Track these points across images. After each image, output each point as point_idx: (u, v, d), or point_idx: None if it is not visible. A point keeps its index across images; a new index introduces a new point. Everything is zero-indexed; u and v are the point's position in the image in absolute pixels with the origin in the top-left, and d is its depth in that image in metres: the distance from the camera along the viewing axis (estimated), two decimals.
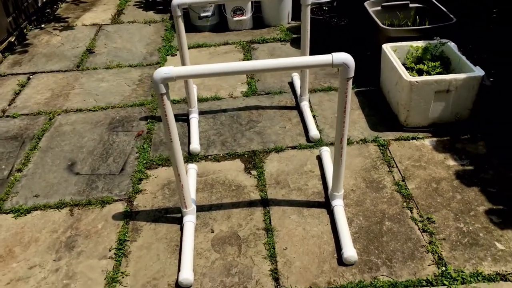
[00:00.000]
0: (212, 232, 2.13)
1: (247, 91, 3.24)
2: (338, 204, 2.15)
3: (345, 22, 3.60)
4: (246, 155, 2.61)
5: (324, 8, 3.88)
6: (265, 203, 2.27)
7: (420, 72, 2.73)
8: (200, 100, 3.15)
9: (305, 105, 2.93)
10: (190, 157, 2.62)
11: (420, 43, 2.92)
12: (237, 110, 3.03)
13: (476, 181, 2.30)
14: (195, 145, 2.64)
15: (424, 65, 2.75)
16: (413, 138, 2.63)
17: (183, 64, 2.74)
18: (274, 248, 2.02)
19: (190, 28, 4.32)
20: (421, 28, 2.98)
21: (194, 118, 2.89)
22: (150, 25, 4.51)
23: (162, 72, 1.76)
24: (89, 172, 2.56)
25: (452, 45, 2.83)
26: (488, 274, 1.82)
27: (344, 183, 2.32)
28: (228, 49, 3.90)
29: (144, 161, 2.60)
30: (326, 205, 2.23)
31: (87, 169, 2.58)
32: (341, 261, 1.93)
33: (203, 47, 3.96)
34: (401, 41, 2.96)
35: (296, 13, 4.34)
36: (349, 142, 2.64)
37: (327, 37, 3.66)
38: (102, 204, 2.33)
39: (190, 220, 2.13)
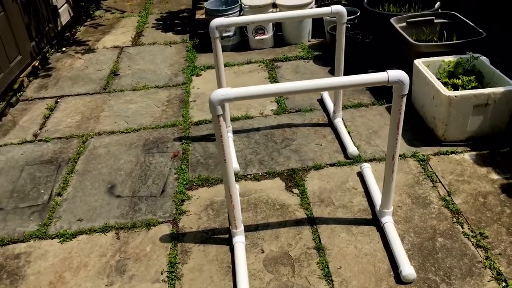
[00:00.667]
0: (263, 252, 2.12)
1: (278, 109, 3.25)
2: (388, 221, 2.14)
3: (370, 39, 3.63)
4: (285, 174, 2.61)
5: (347, 25, 3.91)
6: (312, 221, 2.26)
7: (455, 87, 2.74)
8: (232, 119, 3.15)
9: (339, 122, 2.94)
10: (235, 175, 2.61)
11: (451, 58, 2.94)
12: (269, 128, 3.04)
13: None
14: (234, 165, 2.64)
15: (458, 80, 2.77)
16: (452, 153, 2.63)
17: (220, 84, 2.75)
18: (328, 268, 2.00)
19: (210, 48, 4.34)
20: (452, 43, 3.00)
21: (229, 138, 2.89)
22: (171, 46, 4.55)
23: (220, 94, 1.77)
24: (130, 194, 2.55)
25: (484, 59, 2.85)
26: None
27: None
28: (252, 68, 3.93)
29: (184, 182, 2.60)
30: (374, 222, 2.21)
31: (127, 191, 2.58)
32: (398, 279, 1.91)
33: (227, 66, 3.98)
34: (431, 56, 2.98)
35: (316, 31, 4.39)
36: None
37: (354, 54, 3.68)
38: (148, 226, 2.32)
39: (240, 240, 2.11)
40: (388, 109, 3.12)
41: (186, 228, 2.29)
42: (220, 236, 2.23)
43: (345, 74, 3.09)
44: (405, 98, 1.84)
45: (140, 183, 2.63)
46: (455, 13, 3.35)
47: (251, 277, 1.99)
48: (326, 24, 4.10)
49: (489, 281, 1.87)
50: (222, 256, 2.11)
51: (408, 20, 3.42)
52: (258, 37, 4.27)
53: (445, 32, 3.29)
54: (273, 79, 3.70)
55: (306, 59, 4.01)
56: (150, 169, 2.74)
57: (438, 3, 3.61)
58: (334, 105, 2.97)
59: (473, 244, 2.05)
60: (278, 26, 4.36)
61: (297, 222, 2.26)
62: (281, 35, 4.40)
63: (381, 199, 2.15)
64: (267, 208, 2.37)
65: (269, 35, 4.28)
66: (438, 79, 2.81)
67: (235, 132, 3.02)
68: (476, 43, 2.97)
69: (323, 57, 3.99)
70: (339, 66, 2.80)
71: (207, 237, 2.23)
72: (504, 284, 1.85)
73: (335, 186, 2.48)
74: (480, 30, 3.05)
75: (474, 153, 2.62)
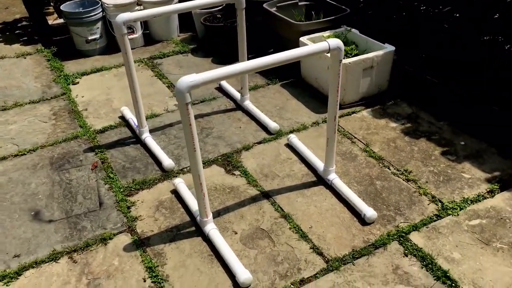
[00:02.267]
0: (236, 233, 2.16)
1: None
2: (335, 177, 2.37)
3: (247, 25, 3.83)
4: (219, 160, 2.65)
5: (217, 16, 4.06)
6: (267, 195, 2.37)
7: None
8: None
9: (249, 104, 3.08)
10: (166, 174, 2.55)
11: (328, 33, 3.33)
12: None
13: (419, 133, 2.77)
14: (169, 161, 2.57)
15: None
16: (353, 113, 3.01)
17: (132, 85, 2.63)
18: (301, 230, 2.15)
19: (75, 54, 4.05)
20: (326, 20, 3.38)
21: (149, 137, 2.79)
22: (25, 58, 4.07)
23: (188, 80, 1.75)
24: (64, 215, 2.29)
25: (355, 30, 3.31)
26: (473, 197, 2.26)
27: (323, 158, 2.56)
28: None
29: (121, 190, 2.44)
30: (321, 182, 2.43)
31: (58, 213, 2.31)
32: (363, 222, 2.16)
33: (104, 71, 3.77)
34: (310, 34, 3.32)
35: (183, 26, 4.43)
36: (304, 127, 2.89)
37: (233, 41, 3.84)
38: (104, 241, 2.13)
39: (213, 227, 2.11)
40: (283, 86, 3.38)
41: (147, 232, 2.18)
42: (187, 230, 2.18)
43: (230, 62, 3.24)
44: (342, 63, 2.07)
45: (70, 202, 2.38)
46: None
47: (237, 257, 2.01)
48: (196, 17, 4.17)
49: (428, 204, 2.26)
50: (198, 247, 2.08)
51: (278, 4, 3.72)
52: (128, 37, 4.10)
53: (313, 12, 3.68)
54: (161, 76, 3.64)
55: (184, 53, 4.03)
56: (73, 186, 2.49)
57: None
58: (241, 89, 3.09)
59: (403, 180, 2.42)
60: (145, 24, 4.26)
61: (254, 199, 2.35)
62: (148, 33, 4.32)
63: (325, 158, 2.37)
64: (219, 194, 2.39)
65: (138, 33, 4.16)
66: None
67: (153, 130, 2.91)
68: (344, 18, 3.41)
69: (200, 49, 4.06)
70: (243, 51, 2.93)
71: (174, 234, 2.16)
72: (440, 203, 2.25)
73: (271, 160, 2.62)
74: (343, 7, 3.51)
75: (369, 109, 3.04)
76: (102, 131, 2.97)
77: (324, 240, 2.09)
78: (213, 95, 3.33)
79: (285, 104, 3.16)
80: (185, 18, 4.37)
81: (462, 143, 2.66)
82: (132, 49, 4.11)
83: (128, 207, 2.33)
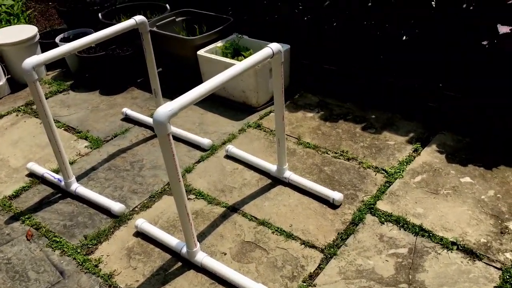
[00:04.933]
0: (225, 254, 2.12)
1: (92, 144, 2.99)
2: (290, 174, 2.49)
3: (130, 51, 3.68)
4: (168, 189, 2.55)
5: (92, 45, 3.80)
6: (233, 209, 2.37)
7: None
8: (57, 171, 2.72)
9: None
10: (119, 219, 2.36)
11: (221, 43, 3.42)
12: (106, 162, 2.80)
13: (335, 116, 3.04)
14: (119, 206, 2.38)
15: (241, 56, 3.28)
16: (271, 112, 3.16)
17: (52, 137, 2.34)
18: (283, 230, 2.21)
19: None
20: (217, 31, 3.43)
21: (81, 187, 2.53)
22: None
23: (165, 110, 1.68)
24: None
25: (245, 36, 3.45)
26: (406, 159, 2.60)
27: (266, 160, 2.65)
28: (11, 119, 3.35)
29: (77, 250, 2.18)
30: (278, 182, 2.52)
31: None
32: (333, 205, 2.32)
33: None
34: (203, 47, 3.36)
35: (50, 63, 4.03)
36: (234, 136, 2.93)
37: (119, 69, 3.66)
38: None
39: (205, 255, 2.04)
40: None
41: (133, 283, 2.01)
42: (175, 268, 2.07)
43: (121, 91, 3.05)
44: (283, 65, 2.19)
45: (23, 283, 2.04)
46: (191, 9, 3.81)
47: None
48: None
49: (375, 174, 2.52)
50: (197, 280, 2.00)
51: (157, 24, 3.67)
52: None
53: (195, 26, 3.71)
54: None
55: (64, 91, 3.70)
56: (16, 264, 2.14)
57: (168, 6, 3.98)
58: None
59: (345, 160, 2.65)
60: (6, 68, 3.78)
61: (224, 216, 2.33)
62: (9, 78, 3.84)
63: (278, 158, 2.46)
64: None
65: (3, 81, 3.68)
66: None
67: (77, 178, 2.63)
68: (230, 26, 3.53)
69: (79, 84, 3.77)
70: (154, 75, 2.83)
71: (163, 277, 2.03)
72: (384, 172, 2.53)
73: (219, 175, 2.62)
74: (225, 16, 3.62)
75: None
76: (15, 195, 2.58)
77: (309, 233, 2.19)
78: (123, 127, 3.15)
79: (202, 119, 3.16)
80: None
81: (373, 116, 3.02)
82: None
83: (96, 265, 2.10)
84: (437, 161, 2.57)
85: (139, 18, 2.61)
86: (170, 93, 3.40)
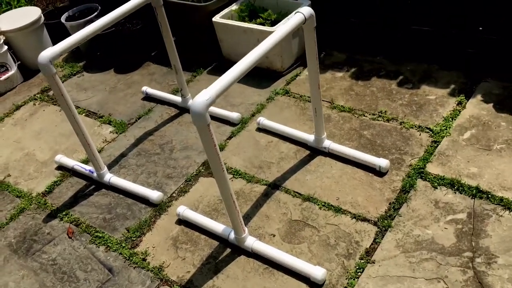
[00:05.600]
0: (274, 235, 2.04)
1: (117, 128, 2.88)
2: (330, 143, 2.36)
3: (141, 24, 3.48)
4: (202, 170, 2.45)
5: None
6: (275, 185, 2.27)
7: (262, 23, 3.03)
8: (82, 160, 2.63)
9: None
10: (159, 207, 2.28)
11: (235, 5, 3.20)
12: (134, 146, 2.70)
13: (367, 74, 2.87)
14: (157, 194, 2.30)
15: (258, 18, 3.07)
16: (297, 76, 2.99)
17: (78, 129, 2.23)
18: (331, 205, 2.12)
19: None
20: None
21: (114, 177, 2.44)
22: None
23: (203, 99, 1.55)
24: None
25: None
26: (451, 114, 2.44)
27: (300, 129, 2.52)
28: (31, 109, 3.24)
29: (121, 245, 2.13)
30: (317, 152, 2.40)
31: None
32: (380, 173, 2.20)
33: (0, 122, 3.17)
34: (217, 13, 3.15)
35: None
36: (262, 106, 2.79)
37: (133, 46, 3.49)
38: None
39: (255, 239, 1.97)
40: (211, 73, 3.22)
41: (185, 275, 1.95)
42: (224, 255, 2.00)
43: (136, 67, 2.85)
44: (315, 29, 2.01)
45: (72, 284, 2.01)
46: None
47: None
48: (75, 30, 3.65)
49: (420, 134, 2.38)
50: (249, 266, 1.93)
51: None
52: (2, 77, 3.48)
53: None
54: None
55: (78, 73, 3.56)
56: (62, 265, 2.10)
57: None
58: (181, 90, 2.84)
59: (385, 121, 2.50)
60: (15, 55, 3.64)
61: (266, 195, 2.23)
62: (20, 65, 3.70)
63: (315, 128, 2.33)
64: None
65: (14, 69, 3.55)
66: None
67: (108, 167, 2.55)
68: None
69: (92, 64, 3.62)
70: (172, 50, 2.66)
71: (214, 265, 1.97)
72: (429, 131, 2.38)
73: (254, 150, 2.50)
74: None
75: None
76: (49, 191, 2.52)
77: (358, 205, 2.09)
78: (145, 107, 3.03)
79: (226, 91, 3.00)
80: (56, 36, 3.81)
81: (408, 69, 2.83)
82: (12, 89, 3.54)
83: (144, 259, 2.05)
84: (485, 113, 2.41)
85: None
86: (189, 65, 3.25)
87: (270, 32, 2.77)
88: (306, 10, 1.92)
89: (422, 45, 2.89)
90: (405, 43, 2.95)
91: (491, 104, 2.44)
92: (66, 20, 3.68)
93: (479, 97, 2.51)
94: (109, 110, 3.07)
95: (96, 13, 3.62)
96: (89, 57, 3.73)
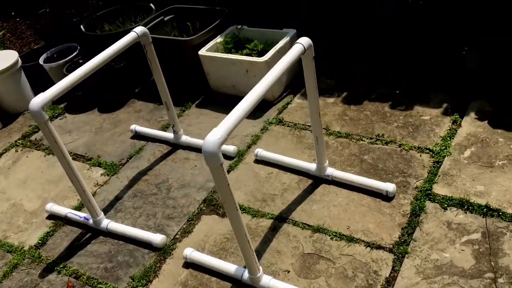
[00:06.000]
0: (288, 271, 1.97)
1: (108, 170, 2.77)
2: (332, 171, 2.33)
3: (123, 62, 3.41)
4: (204, 208, 2.37)
5: (80, 61, 3.53)
6: (281, 218, 2.21)
7: (249, 54, 3.02)
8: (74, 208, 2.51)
9: (187, 138, 2.80)
10: (164, 251, 2.18)
11: (220, 38, 3.19)
12: (128, 189, 2.60)
13: (358, 97, 2.87)
14: (160, 237, 2.20)
15: (245, 49, 3.06)
16: (288, 104, 2.98)
17: (73, 176, 2.13)
18: (342, 234, 2.07)
19: None
20: (214, 26, 3.20)
21: (112, 223, 2.33)
22: None
23: (215, 138, 1.49)
24: None
25: (246, 26, 3.23)
26: (448, 133, 2.46)
27: (299, 158, 2.48)
28: (14, 157, 3.10)
29: None
30: (320, 181, 2.36)
31: None
32: (386, 198, 2.18)
33: None
34: (202, 46, 3.13)
35: (33, 88, 3.72)
36: (257, 137, 2.75)
37: (120, 83, 3.42)
38: None
39: (270, 278, 1.89)
40: (200, 106, 3.16)
41: None
42: None
43: (120, 107, 2.77)
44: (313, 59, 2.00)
45: None
46: (179, 5, 3.55)
47: None
48: (55, 71, 3.56)
49: (420, 156, 2.37)
50: None
51: (146, 27, 3.40)
52: None
53: (188, 23, 3.45)
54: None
55: (60, 115, 3.46)
56: None
57: (152, 6, 3.70)
58: (173, 126, 2.77)
59: (383, 145, 2.50)
60: None
61: (274, 229, 2.17)
62: None
63: (317, 157, 2.29)
64: (233, 242, 2.15)
65: None
66: None
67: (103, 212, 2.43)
68: (227, 17, 3.30)
69: (73, 105, 3.52)
70: (163, 87, 2.60)
71: None
72: (429, 151, 2.38)
73: (255, 183, 2.44)
74: (218, 8, 3.37)
75: (298, 95, 3.04)
76: (42, 243, 2.38)
77: (370, 232, 2.05)
78: (135, 146, 2.94)
79: (218, 123, 2.94)
80: (34, 78, 3.70)
81: (397, 92, 2.86)
82: None
83: None
84: (481, 130, 2.43)
85: (140, 29, 2.38)
86: (177, 100, 3.18)
87: (260, 63, 2.81)
88: (304, 41, 1.91)
89: (410, 68, 2.93)
90: (391, 67, 2.99)
91: (486, 121, 2.47)
92: (45, 61, 3.59)
93: (472, 114, 2.54)
94: (97, 152, 2.96)
95: (75, 53, 3.55)
96: (70, 98, 3.62)
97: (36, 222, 2.52)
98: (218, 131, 1.51)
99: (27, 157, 3.07)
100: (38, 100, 1.93)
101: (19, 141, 3.24)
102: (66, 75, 3.40)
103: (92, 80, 3.36)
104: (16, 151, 3.16)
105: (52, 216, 2.53)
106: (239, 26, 3.20)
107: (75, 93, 3.62)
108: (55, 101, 3.61)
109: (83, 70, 2.10)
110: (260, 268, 1.88)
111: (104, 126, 3.21)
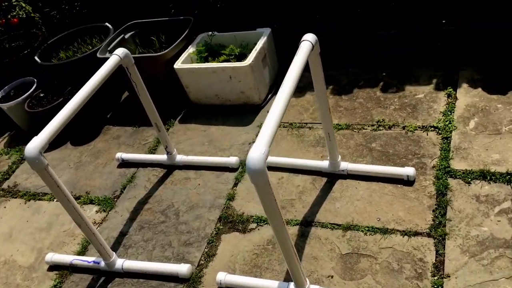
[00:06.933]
0: (332, 276, 1.89)
1: (103, 206, 2.57)
2: (348, 164, 2.27)
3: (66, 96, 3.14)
4: (221, 227, 2.24)
5: (41, 95, 3.27)
6: (307, 223, 2.13)
7: (227, 60, 2.91)
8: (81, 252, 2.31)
9: (183, 157, 2.64)
10: (192, 280, 2.03)
11: (192, 48, 3.05)
12: (132, 222, 2.42)
13: (347, 87, 2.84)
14: (185, 267, 2.04)
15: (222, 56, 2.94)
16: None
17: (80, 220, 1.93)
18: (376, 228, 2.01)
19: None
20: (185, 36, 3.05)
21: (127, 261, 2.15)
22: None
23: (259, 154, 1.38)
24: None
25: (216, 33, 3.11)
26: (447, 107, 2.47)
27: (305, 157, 2.41)
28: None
29: None
30: (335, 177, 2.30)
31: None
32: (407, 182, 2.15)
33: None
34: (174, 60, 2.98)
35: None
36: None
37: (84, 112, 3.17)
38: None
39: (317, 287, 1.80)
40: (184, 122, 3.01)
41: None
42: None
43: (93, 137, 2.56)
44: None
45: None
46: (139, 21, 3.37)
47: None
48: (14, 110, 3.27)
49: (427, 134, 2.37)
50: None
51: (109, 48, 3.20)
52: None
53: (153, 38, 3.27)
54: (33, 196, 2.80)
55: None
56: None
57: (109, 25, 3.48)
58: (166, 147, 2.60)
59: (387, 129, 2.47)
60: None
61: (302, 235, 2.08)
62: None
63: (329, 153, 2.23)
64: (267, 256, 2.04)
65: None
66: None
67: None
68: (196, 25, 3.16)
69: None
70: (151, 109, 2.44)
71: None
72: (434, 128, 2.38)
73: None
74: (183, 18, 3.23)
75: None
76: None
77: (403, 220, 2.01)
78: (126, 174, 2.75)
79: (208, 136, 2.82)
80: None
81: (384, 74, 2.85)
82: None
83: None
84: (478, 99, 2.47)
85: (122, 51, 2.19)
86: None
87: (244, 67, 2.70)
88: (310, 37, 1.83)
89: (392, 48, 2.93)
90: (375, 50, 2.98)
91: (479, 89, 2.51)
92: (0, 101, 3.29)
93: (465, 85, 2.57)
94: (84, 188, 2.74)
95: (34, 87, 3.27)
96: (35, 135, 3.33)
97: (37, 277, 2.28)
98: (259, 145, 1.40)
99: (5, 207, 2.80)
100: (34, 145, 1.75)
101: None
102: (29, 113, 3.17)
103: (55, 113, 3.14)
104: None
105: (53, 267, 2.30)
106: (210, 33, 3.07)
107: (40, 129, 3.35)
108: (18, 141, 3.35)
109: (74, 102, 1.93)
110: (307, 280, 1.79)
111: (83, 160, 2.98)
